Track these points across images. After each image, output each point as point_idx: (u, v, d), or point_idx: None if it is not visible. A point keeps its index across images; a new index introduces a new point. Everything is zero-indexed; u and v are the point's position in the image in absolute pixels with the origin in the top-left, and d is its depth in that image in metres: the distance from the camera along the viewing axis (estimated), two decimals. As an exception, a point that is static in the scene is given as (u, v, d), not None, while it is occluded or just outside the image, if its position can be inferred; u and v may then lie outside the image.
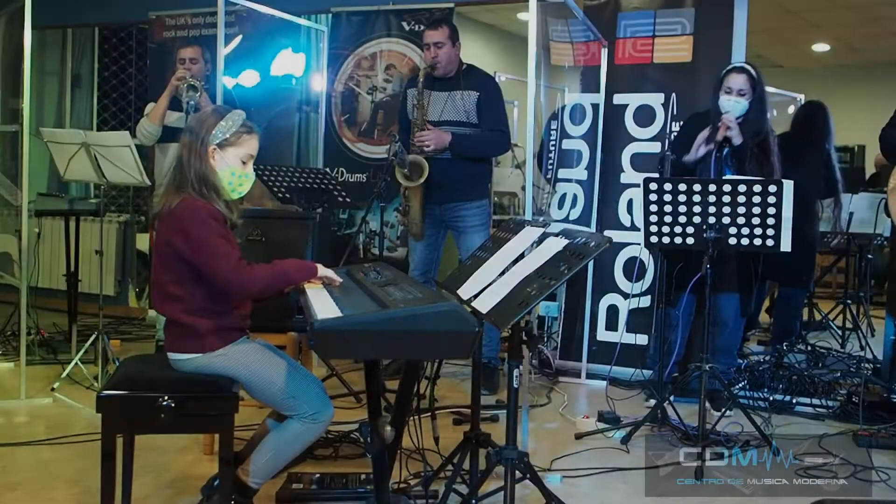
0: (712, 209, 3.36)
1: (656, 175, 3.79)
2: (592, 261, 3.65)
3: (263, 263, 2.48)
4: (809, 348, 5.07)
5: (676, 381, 3.98)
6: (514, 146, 6.46)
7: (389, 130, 5.40)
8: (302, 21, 5.49)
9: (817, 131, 5.01)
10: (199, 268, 2.39)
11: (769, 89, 5.59)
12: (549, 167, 5.09)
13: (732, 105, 3.82)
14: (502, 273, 2.49)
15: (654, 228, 3.52)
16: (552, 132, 5.18)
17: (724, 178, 3.51)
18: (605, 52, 4.72)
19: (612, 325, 4.75)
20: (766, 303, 6.40)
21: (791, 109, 6.35)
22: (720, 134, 3.77)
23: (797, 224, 3.45)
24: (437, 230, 4.45)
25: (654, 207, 3.48)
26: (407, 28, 5.49)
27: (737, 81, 3.83)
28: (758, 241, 3.36)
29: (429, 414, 3.25)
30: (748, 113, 3.84)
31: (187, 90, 4.47)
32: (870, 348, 5.17)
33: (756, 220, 3.33)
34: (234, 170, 2.53)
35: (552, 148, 5.11)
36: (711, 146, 3.80)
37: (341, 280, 2.55)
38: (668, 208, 3.45)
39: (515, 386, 2.46)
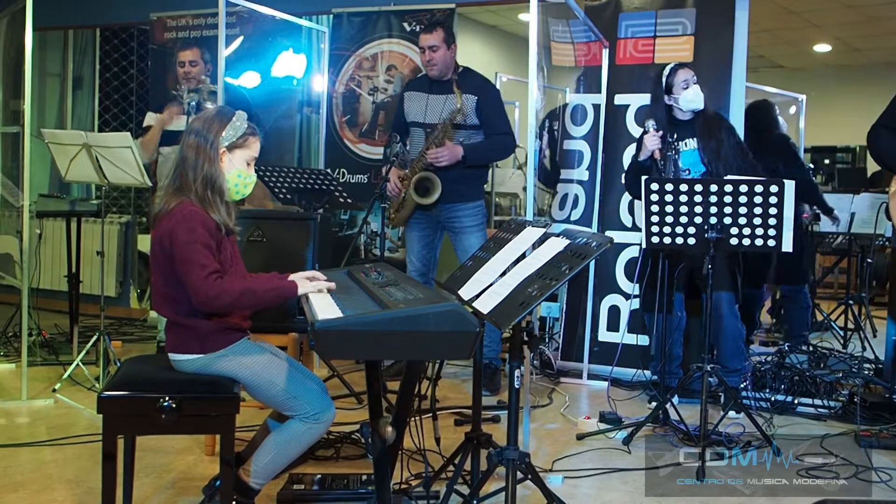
0: (713, 210, 3.36)
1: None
2: (594, 261, 3.67)
3: (240, 280, 2.45)
4: (811, 349, 5.07)
5: (680, 381, 3.98)
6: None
7: (390, 131, 5.40)
8: (303, 22, 5.49)
9: (768, 126, 5.09)
10: (177, 271, 2.39)
11: (770, 89, 5.61)
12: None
13: (694, 95, 3.94)
14: (503, 273, 2.49)
15: (655, 229, 3.52)
16: (554, 133, 5.18)
17: (725, 178, 3.51)
18: (606, 53, 4.72)
19: (613, 326, 4.74)
20: (767, 303, 6.40)
21: (792, 110, 6.35)
22: (651, 148, 3.89)
23: None
24: (433, 231, 4.47)
25: (655, 208, 3.48)
26: (408, 29, 5.49)
27: (684, 74, 3.97)
28: (759, 242, 3.36)
29: (430, 414, 3.26)
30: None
31: (187, 92, 4.48)
32: (871, 349, 5.17)
33: (758, 221, 3.33)
34: (240, 171, 2.54)
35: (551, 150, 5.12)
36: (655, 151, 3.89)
37: (332, 284, 2.45)
38: (669, 209, 3.45)
39: (517, 386, 2.46)
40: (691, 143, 3.97)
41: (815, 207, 5.54)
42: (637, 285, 4.55)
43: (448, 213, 4.35)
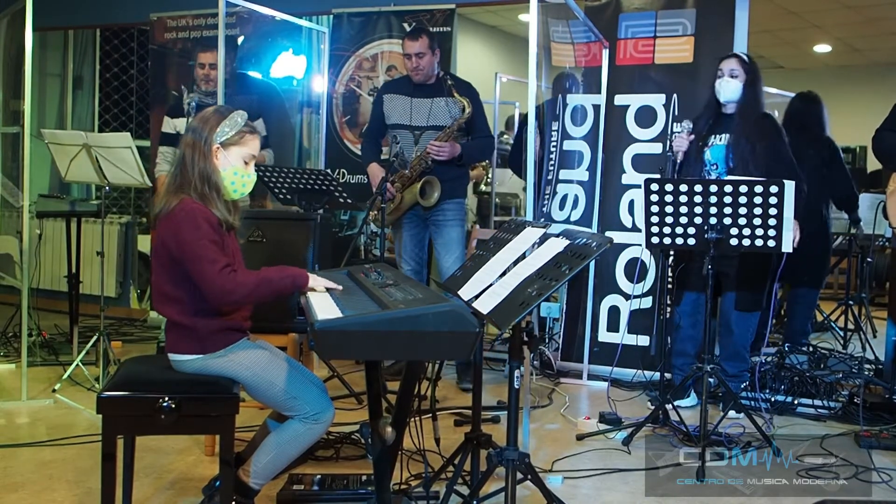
0: (713, 210, 3.36)
1: (657, 176, 3.81)
2: (594, 262, 3.66)
3: (252, 272, 2.46)
4: (811, 349, 5.07)
5: (681, 382, 3.98)
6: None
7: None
8: (303, 22, 5.49)
9: (813, 124, 5.02)
10: (186, 270, 2.39)
11: (770, 90, 5.60)
12: (550, 168, 5.08)
13: (723, 86, 3.91)
14: (503, 274, 2.49)
15: (655, 229, 3.52)
16: (553, 133, 5.17)
17: (725, 178, 3.50)
18: (606, 53, 4.72)
19: (613, 327, 4.74)
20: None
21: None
22: (677, 150, 3.93)
23: (802, 223, 3.45)
24: (422, 229, 4.56)
25: (655, 208, 3.48)
26: (408, 29, 5.49)
27: (728, 64, 3.94)
28: (759, 242, 3.35)
29: (430, 415, 3.25)
30: (742, 96, 3.92)
31: (187, 93, 4.48)
32: (871, 349, 5.16)
33: (757, 221, 3.32)
34: (236, 169, 2.54)
35: (553, 149, 5.11)
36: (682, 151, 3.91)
37: (340, 287, 2.48)
38: (669, 209, 3.45)
39: (516, 387, 2.46)
40: (724, 139, 3.94)
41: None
42: (635, 285, 4.57)
43: (435, 208, 4.44)
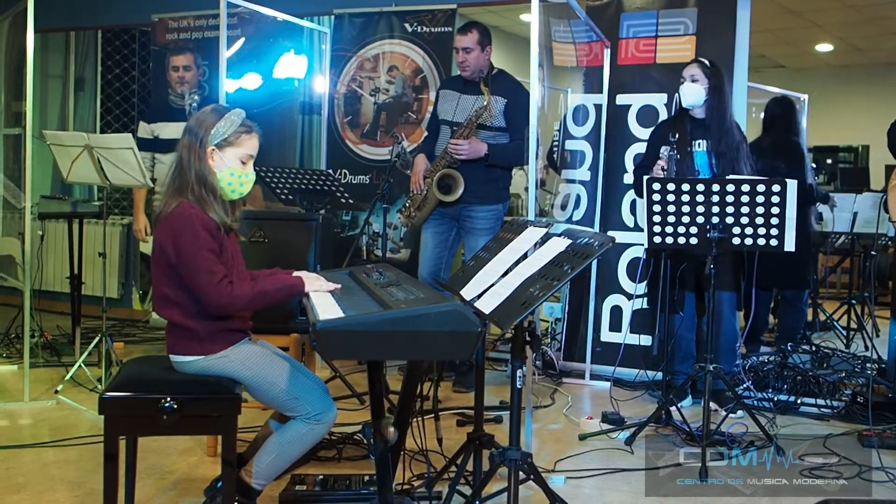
0: (715, 209, 3.36)
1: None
2: (596, 261, 3.66)
3: (248, 283, 2.47)
4: (814, 349, 5.06)
5: (684, 382, 3.97)
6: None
7: (392, 132, 5.40)
8: (304, 23, 5.50)
9: (787, 128, 5.03)
10: (183, 278, 2.39)
11: (771, 89, 5.59)
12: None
13: (683, 90, 3.94)
14: (505, 273, 2.49)
15: (657, 229, 3.52)
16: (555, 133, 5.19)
17: (727, 178, 3.50)
18: (607, 53, 4.72)
19: (615, 326, 4.74)
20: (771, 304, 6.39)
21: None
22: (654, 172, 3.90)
23: None
24: (449, 229, 4.44)
25: (657, 208, 3.48)
26: (409, 29, 5.49)
27: (688, 70, 3.97)
28: (761, 241, 3.35)
29: (432, 415, 3.25)
30: (706, 102, 3.92)
31: (188, 94, 4.49)
32: (874, 348, 5.16)
33: (760, 220, 3.32)
34: (233, 170, 2.52)
35: (554, 149, 5.12)
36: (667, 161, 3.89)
37: (338, 286, 2.47)
38: (671, 209, 3.44)
39: (519, 387, 2.46)
40: (702, 145, 3.95)
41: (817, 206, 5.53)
42: (637, 285, 4.56)
43: (464, 212, 4.35)
